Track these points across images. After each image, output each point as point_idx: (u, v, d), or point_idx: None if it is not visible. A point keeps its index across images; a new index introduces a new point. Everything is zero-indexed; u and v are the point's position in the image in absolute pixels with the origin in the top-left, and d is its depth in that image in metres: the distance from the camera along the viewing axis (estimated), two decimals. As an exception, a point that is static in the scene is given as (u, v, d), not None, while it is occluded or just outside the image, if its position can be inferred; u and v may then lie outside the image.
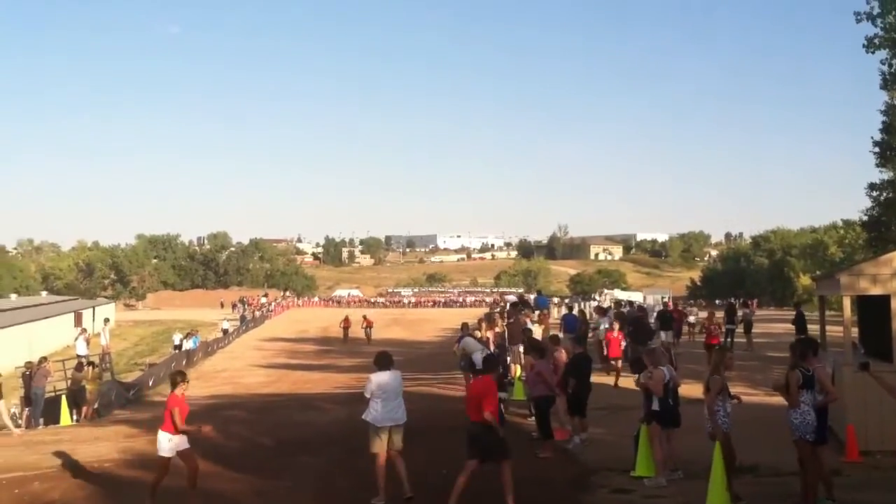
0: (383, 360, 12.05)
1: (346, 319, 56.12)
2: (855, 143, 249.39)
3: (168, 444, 11.41)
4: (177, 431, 11.39)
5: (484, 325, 24.11)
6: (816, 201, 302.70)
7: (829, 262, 73.96)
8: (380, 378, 11.66)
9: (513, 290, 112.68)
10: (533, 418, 15.90)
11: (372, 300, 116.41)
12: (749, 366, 24.17)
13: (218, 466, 14.29)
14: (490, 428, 10.53)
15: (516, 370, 21.88)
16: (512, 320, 24.06)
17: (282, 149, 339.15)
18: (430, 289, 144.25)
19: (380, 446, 11.44)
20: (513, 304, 29.59)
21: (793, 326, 28.52)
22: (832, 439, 12.46)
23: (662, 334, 27.35)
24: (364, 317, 56.00)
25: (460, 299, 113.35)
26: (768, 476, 11.36)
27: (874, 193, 44.89)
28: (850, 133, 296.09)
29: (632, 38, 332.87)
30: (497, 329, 24.01)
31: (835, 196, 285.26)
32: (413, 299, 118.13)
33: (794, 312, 30.08)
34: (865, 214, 46.05)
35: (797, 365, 10.18)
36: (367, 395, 11.56)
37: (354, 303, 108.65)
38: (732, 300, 53.00)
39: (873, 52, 37.78)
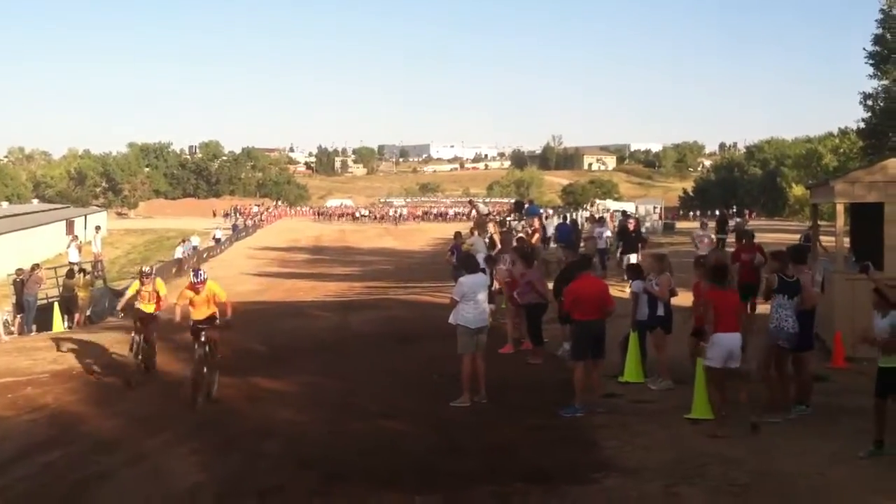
0: (471, 263, 12.35)
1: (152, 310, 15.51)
2: (850, 50, 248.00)
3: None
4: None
5: (493, 225, 24.02)
6: (812, 111, 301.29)
7: (823, 173, 73.78)
8: (471, 281, 11.80)
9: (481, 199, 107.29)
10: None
11: (357, 214, 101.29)
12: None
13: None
14: (605, 325, 11.03)
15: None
16: (506, 229, 24.03)
17: (274, 56, 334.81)
18: (422, 199, 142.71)
19: (471, 347, 11.58)
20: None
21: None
22: (820, 346, 12.57)
23: (625, 259, 23.35)
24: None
25: (450, 211, 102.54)
26: (754, 382, 11.45)
27: (869, 103, 44.66)
28: (846, 40, 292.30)
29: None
30: (495, 235, 23.94)
31: (830, 105, 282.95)
32: (405, 210, 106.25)
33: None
34: (862, 122, 45.87)
35: (776, 270, 10.24)
36: (457, 299, 11.67)
37: (348, 215, 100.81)
38: (726, 210, 53.06)
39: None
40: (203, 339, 12.63)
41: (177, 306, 13.51)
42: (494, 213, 45.84)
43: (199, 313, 13.06)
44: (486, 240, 21.40)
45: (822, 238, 17.61)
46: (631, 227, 25.80)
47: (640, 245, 23.95)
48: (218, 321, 13.14)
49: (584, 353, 11.00)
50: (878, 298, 8.88)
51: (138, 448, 9.93)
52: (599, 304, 11.02)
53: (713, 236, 26.64)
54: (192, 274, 13.56)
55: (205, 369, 12.50)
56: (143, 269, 16.20)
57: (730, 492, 7.72)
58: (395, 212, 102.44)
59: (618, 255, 25.64)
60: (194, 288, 12.98)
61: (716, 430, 9.58)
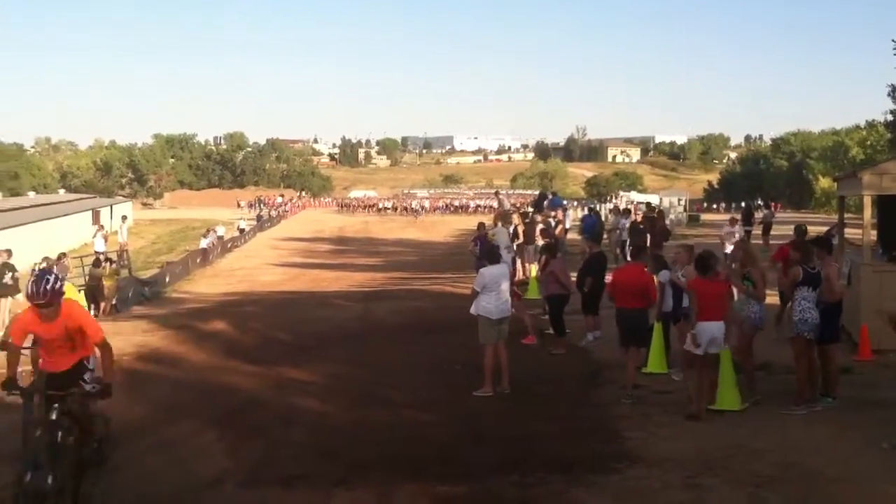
0: (493, 255, 12.46)
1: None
2: (877, 42, 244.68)
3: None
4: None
5: (517, 216, 24.00)
6: (839, 103, 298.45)
7: (850, 165, 73.10)
8: (492, 272, 11.84)
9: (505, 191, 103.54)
10: (546, 316, 15.97)
11: (381, 206, 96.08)
12: (765, 267, 23.97)
13: (235, 361, 14.50)
14: (647, 314, 10.94)
15: (531, 269, 21.91)
16: (528, 220, 24.00)
17: (298, 48, 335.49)
18: (445, 190, 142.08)
19: (493, 338, 11.62)
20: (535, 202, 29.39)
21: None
22: (846, 339, 12.47)
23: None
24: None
25: (471, 203, 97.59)
26: (780, 373, 11.40)
27: (896, 95, 44.24)
28: (874, 32, 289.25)
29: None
30: (519, 227, 23.89)
31: (858, 97, 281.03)
32: (427, 203, 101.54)
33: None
34: (890, 114, 45.38)
35: (799, 262, 10.18)
36: (478, 289, 11.72)
37: (371, 207, 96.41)
38: (752, 202, 52.73)
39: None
40: (55, 416, 6.74)
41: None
42: (517, 206, 45.75)
43: (55, 362, 7.19)
44: (511, 230, 21.41)
45: (849, 230, 17.45)
46: (638, 219, 25.26)
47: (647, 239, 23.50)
48: (90, 383, 7.20)
49: (623, 340, 11.25)
50: None
51: (163, 435, 10.00)
52: (636, 293, 10.97)
53: (742, 231, 25.98)
54: (29, 284, 6.87)
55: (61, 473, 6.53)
56: (36, 266, 9.78)
57: (753, 483, 7.69)
58: (418, 204, 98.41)
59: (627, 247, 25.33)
60: (36, 313, 6.84)
61: (693, 412, 9.86)
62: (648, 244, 22.91)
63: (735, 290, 11.37)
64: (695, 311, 10.16)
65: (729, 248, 21.68)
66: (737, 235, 23.51)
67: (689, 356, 10.19)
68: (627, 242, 24.94)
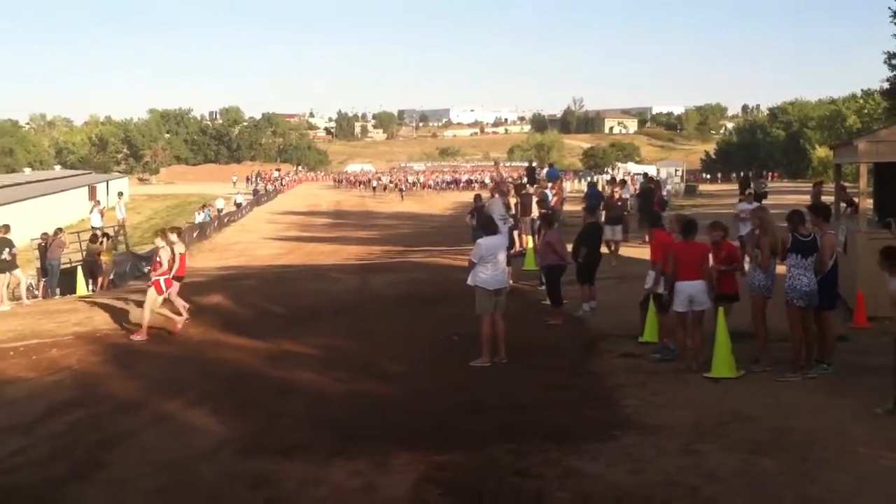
0: (490, 226, 12.36)
1: None
2: (874, 10, 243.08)
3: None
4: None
5: (512, 188, 23.91)
6: (836, 72, 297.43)
7: (847, 133, 72.95)
8: (489, 243, 11.82)
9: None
10: (543, 287, 15.97)
11: (374, 183, 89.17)
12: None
13: (231, 334, 14.50)
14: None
15: (527, 241, 21.90)
16: (523, 192, 23.91)
17: (294, 22, 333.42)
18: (442, 163, 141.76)
19: (489, 308, 11.62)
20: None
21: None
22: (841, 305, 12.48)
23: (609, 230, 21.63)
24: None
25: (463, 178, 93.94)
26: (777, 341, 11.40)
27: (893, 63, 44.07)
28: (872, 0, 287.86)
29: None
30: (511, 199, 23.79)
31: (855, 66, 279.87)
32: (422, 178, 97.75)
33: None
34: (886, 82, 45.29)
35: (791, 230, 10.15)
36: (475, 260, 11.70)
37: (364, 183, 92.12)
38: (750, 173, 52.68)
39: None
40: None
41: None
42: (514, 178, 45.78)
43: None
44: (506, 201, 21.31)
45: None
46: (616, 195, 24.70)
47: (624, 215, 23.18)
48: None
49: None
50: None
51: (161, 408, 10.03)
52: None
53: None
54: None
55: None
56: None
57: (748, 449, 7.72)
58: (414, 178, 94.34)
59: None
60: None
61: (680, 366, 10.53)
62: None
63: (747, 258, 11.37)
64: (671, 271, 10.73)
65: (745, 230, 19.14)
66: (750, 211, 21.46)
67: (678, 316, 10.74)
68: (603, 216, 24.63)
